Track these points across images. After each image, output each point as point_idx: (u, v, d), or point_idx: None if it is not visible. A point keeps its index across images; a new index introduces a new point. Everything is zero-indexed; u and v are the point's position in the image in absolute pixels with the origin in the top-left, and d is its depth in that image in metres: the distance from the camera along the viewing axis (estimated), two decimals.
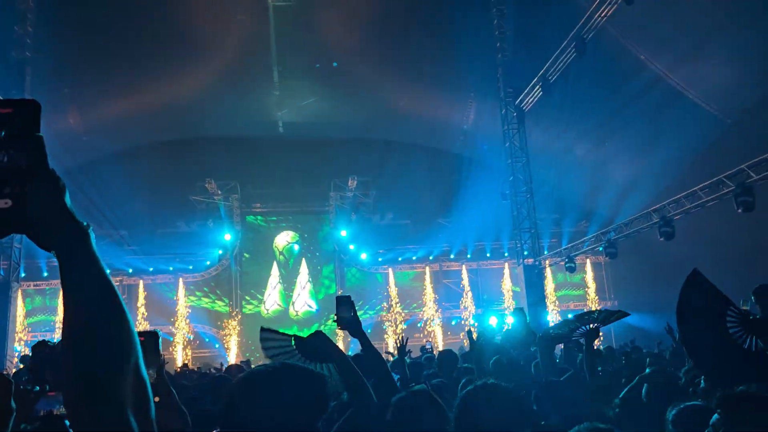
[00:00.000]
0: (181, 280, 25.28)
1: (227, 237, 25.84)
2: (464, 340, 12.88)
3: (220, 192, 25.74)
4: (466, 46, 19.82)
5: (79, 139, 22.67)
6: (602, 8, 14.27)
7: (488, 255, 26.39)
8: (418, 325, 25.87)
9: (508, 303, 24.88)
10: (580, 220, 24.79)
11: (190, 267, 25.63)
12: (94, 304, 0.99)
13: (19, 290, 19.78)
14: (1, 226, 0.93)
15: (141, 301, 24.73)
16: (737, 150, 13.71)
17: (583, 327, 5.28)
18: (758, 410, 2.26)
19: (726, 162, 12.84)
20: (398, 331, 24.82)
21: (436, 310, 25.83)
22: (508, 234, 23.02)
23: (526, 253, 19.17)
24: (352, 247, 26.39)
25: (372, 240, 26.12)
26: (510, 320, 12.11)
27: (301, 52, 22.16)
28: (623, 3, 13.19)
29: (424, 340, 21.44)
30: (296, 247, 26.74)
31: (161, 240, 25.49)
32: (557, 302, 25.40)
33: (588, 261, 25.93)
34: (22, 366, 10.19)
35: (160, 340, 1.73)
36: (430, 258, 26.47)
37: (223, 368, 14.02)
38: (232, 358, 23.34)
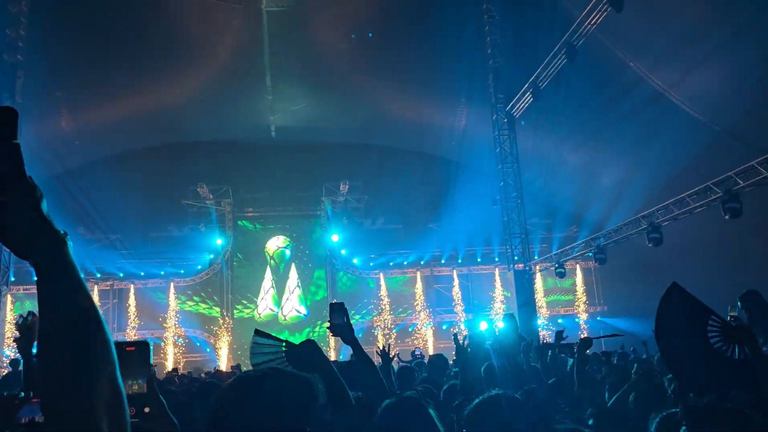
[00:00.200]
0: (172, 284, 25.22)
1: (219, 241, 25.82)
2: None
3: (212, 196, 25.72)
4: (457, 52, 19.96)
5: (71, 142, 22.61)
6: (592, 15, 14.39)
7: (479, 260, 26.49)
8: (409, 330, 25.92)
9: (499, 308, 24.96)
10: (570, 226, 24.94)
11: (182, 271, 25.58)
12: (69, 313, 0.98)
13: (9, 294, 19.69)
14: None
15: (132, 305, 24.66)
16: (725, 157, 13.87)
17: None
18: (723, 422, 2.26)
19: (714, 169, 12.98)
20: (390, 335, 24.87)
21: (428, 315, 25.89)
22: (498, 239, 23.13)
23: (516, 258, 19.26)
24: (343, 251, 26.42)
25: (363, 244, 26.15)
26: (500, 325, 12.15)
27: (294, 56, 22.21)
28: (613, 11, 13.32)
29: (414, 347, 21.45)
30: (287, 252, 26.73)
31: (153, 244, 25.45)
32: (546, 307, 25.48)
33: (578, 266, 26.06)
34: (11, 369, 10.14)
35: (152, 350, 1.75)
36: (421, 263, 26.52)
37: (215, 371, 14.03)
38: (223, 362, 23.31)
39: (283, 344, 2.96)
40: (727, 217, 11.99)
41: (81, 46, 19.09)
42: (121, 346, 1.71)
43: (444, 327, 25.90)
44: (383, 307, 25.78)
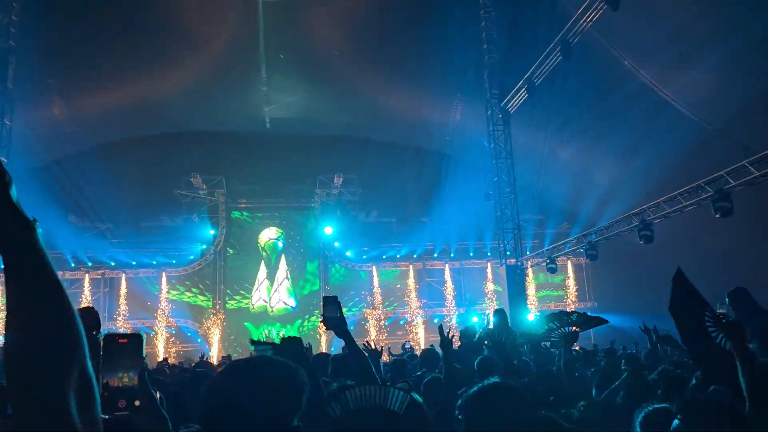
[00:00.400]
0: (164, 274, 25.16)
1: (212, 232, 25.76)
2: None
3: (205, 187, 25.66)
4: (453, 47, 19.93)
5: (63, 130, 22.46)
6: (588, 13, 14.39)
7: (471, 254, 26.56)
8: (401, 323, 25.99)
9: (490, 302, 25.05)
10: (562, 222, 25.03)
11: (174, 261, 25.52)
12: (37, 300, 0.96)
13: None
14: None
15: (123, 294, 24.60)
16: (717, 156, 13.95)
17: (562, 329, 5.36)
18: (718, 418, 2.29)
19: (706, 168, 13.06)
20: (382, 330, 24.93)
21: (419, 308, 25.95)
22: (491, 234, 23.21)
23: (508, 253, 19.31)
24: (337, 243, 26.43)
25: (357, 237, 26.17)
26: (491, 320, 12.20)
27: (290, 48, 22.13)
28: (609, 9, 13.33)
29: (405, 340, 21.52)
30: (280, 243, 26.70)
31: (145, 234, 25.35)
32: (537, 303, 25.59)
33: (569, 262, 26.18)
34: None
35: (144, 342, 1.75)
36: (414, 256, 26.58)
37: (204, 359, 14.04)
38: (214, 352, 23.29)
39: (269, 349, 3.05)
40: (717, 215, 12.08)
41: (74, 34, 18.94)
42: (113, 338, 1.71)
43: (435, 320, 25.95)
44: (375, 300, 25.84)
